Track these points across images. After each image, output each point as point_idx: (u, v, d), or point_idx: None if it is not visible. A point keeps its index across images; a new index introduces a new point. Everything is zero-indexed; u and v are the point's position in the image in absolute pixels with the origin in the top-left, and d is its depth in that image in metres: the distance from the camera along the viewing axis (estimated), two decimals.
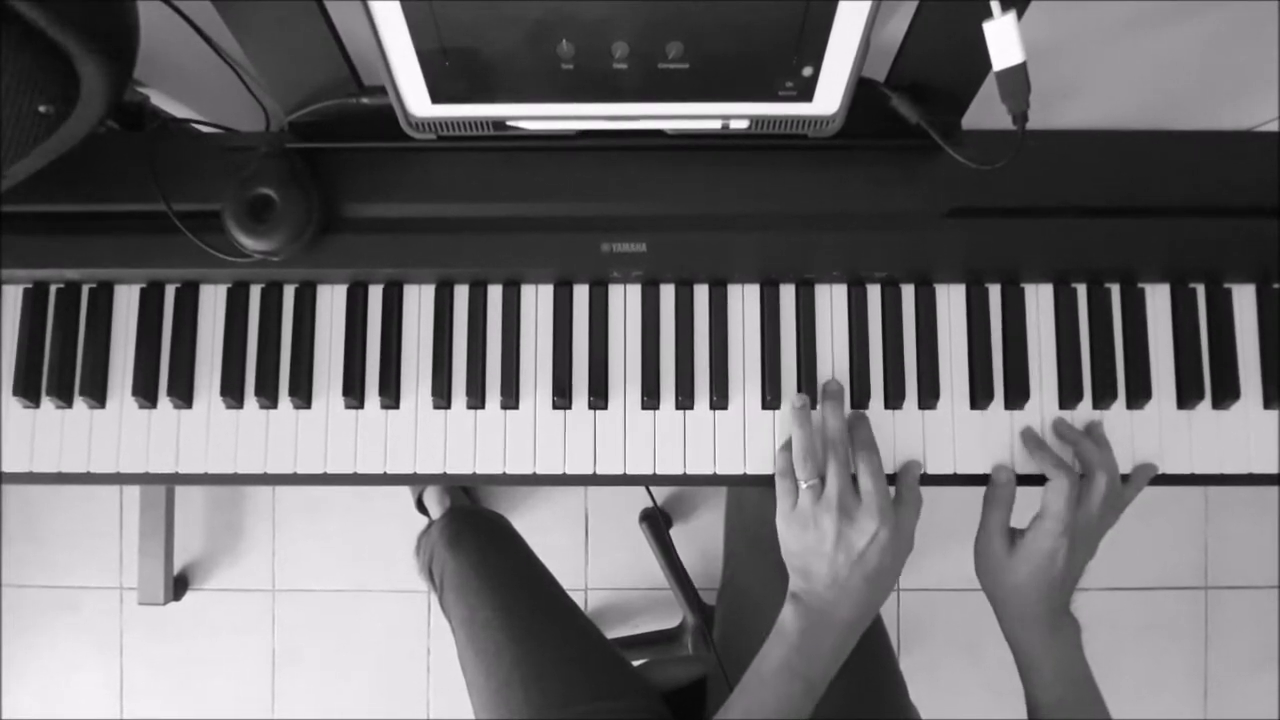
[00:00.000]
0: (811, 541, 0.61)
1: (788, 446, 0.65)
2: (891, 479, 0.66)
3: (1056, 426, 0.66)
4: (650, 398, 0.66)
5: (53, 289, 0.68)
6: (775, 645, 0.62)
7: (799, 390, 0.66)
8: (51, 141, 0.55)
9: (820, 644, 0.61)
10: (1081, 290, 0.68)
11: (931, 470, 0.66)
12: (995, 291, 0.67)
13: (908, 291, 0.67)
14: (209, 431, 0.66)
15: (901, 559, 0.63)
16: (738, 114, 0.57)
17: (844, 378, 0.67)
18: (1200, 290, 0.68)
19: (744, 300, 0.67)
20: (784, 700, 0.60)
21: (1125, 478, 0.65)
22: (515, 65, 0.52)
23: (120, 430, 0.67)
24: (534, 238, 0.64)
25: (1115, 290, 0.68)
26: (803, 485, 0.62)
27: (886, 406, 0.66)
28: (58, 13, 0.47)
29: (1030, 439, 0.65)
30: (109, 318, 0.68)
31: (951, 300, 0.67)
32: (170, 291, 0.68)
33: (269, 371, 0.66)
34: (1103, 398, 0.66)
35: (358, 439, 0.66)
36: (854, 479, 0.62)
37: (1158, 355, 0.67)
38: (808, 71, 0.53)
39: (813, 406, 0.66)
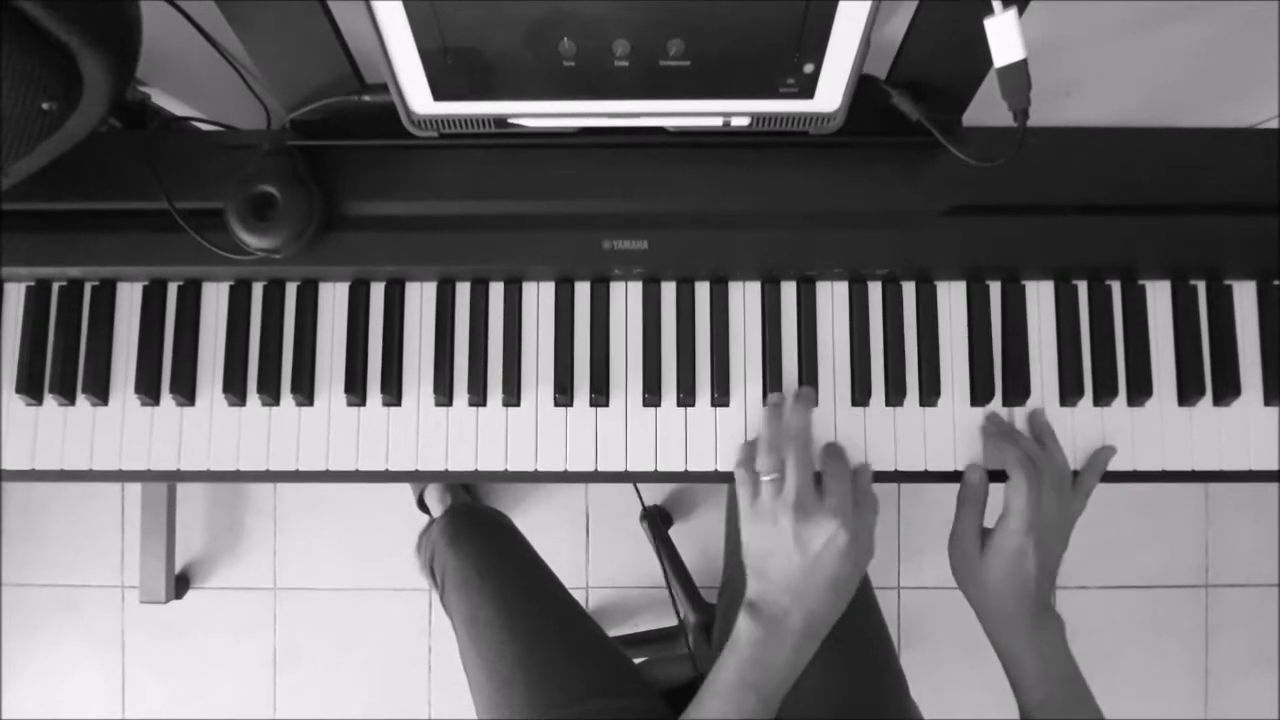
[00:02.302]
0: (770, 540, 0.61)
1: (750, 441, 0.65)
2: (884, 477, 0.66)
3: (988, 422, 0.66)
4: (652, 395, 0.66)
5: (55, 287, 0.68)
6: (729, 657, 0.61)
7: (799, 387, 0.66)
8: (54, 139, 0.55)
9: (774, 655, 0.60)
10: (1082, 287, 0.68)
11: (932, 467, 0.66)
12: (996, 289, 0.68)
13: (909, 289, 0.67)
14: (211, 429, 0.67)
15: (862, 565, 0.62)
16: (739, 111, 0.57)
17: (845, 375, 0.67)
18: (1201, 287, 0.68)
19: (745, 297, 0.67)
20: (737, 712, 0.59)
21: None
22: (517, 63, 0.52)
23: (122, 427, 0.67)
24: (535, 235, 0.64)
25: (1116, 287, 0.68)
26: (763, 479, 0.61)
27: (887, 404, 0.66)
28: (61, 10, 0.47)
29: (992, 432, 0.65)
30: (111, 315, 0.68)
31: (952, 297, 0.67)
32: (173, 289, 0.68)
33: (271, 369, 0.66)
34: (1103, 395, 0.66)
35: (359, 436, 0.66)
36: (818, 479, 0.62)
37: (1158, 352, 0.67)
38: (809, 69, 0.53)
39: (815, 404, 0.66)
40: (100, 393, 0.67)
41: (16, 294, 0.68)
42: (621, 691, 0.80)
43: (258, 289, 0.68)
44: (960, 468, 0.66)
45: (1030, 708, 0.63)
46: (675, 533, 1.45)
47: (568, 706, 0.78)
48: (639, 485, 1.14)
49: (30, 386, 0.66)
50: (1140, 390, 0.66)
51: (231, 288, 0.68)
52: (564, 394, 0.66)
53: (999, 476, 0.64)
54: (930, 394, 0.66)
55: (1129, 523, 1.49)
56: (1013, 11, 0.50)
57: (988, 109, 0.59)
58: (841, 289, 0.67)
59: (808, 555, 0.59)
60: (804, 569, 0.59)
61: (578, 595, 0.93)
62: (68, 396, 0.67)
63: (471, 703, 0.85)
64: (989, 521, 0.65)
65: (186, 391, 0.66)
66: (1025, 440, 0.64)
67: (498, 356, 0.67)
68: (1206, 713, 1.50)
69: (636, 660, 0.92)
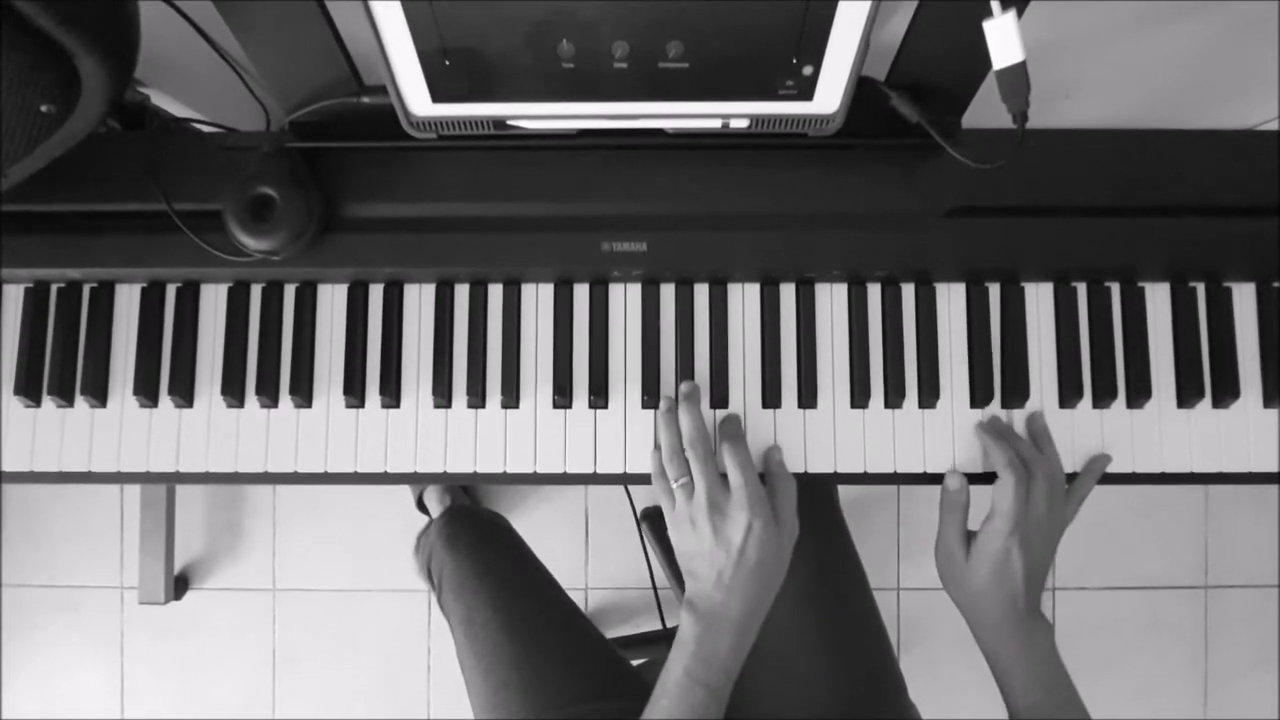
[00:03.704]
0: (693, 542, 0.62)
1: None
2: (884, 479, 0.66)
3: (993, 424, 0.66)
4: (650, 397, 0.66)
5: (54, 288, 0.68)
6: (675, 655, 0.62)
7: (799, 389, 0.66)
8: (53, 141, 0.55)
9: (716, 648, 0.61)
10: (1081, 289, 0.68)
11: (931, 469, 0.66)
12: (995, 290, 0.68)
13: (908, 291, 0.67)
14: (210, 430, 0.67)
15: (786, 545, 0.63)
16: (738, 113, 0.57)
17: (844, 377, 0.67)
18: (1200, 289, 0.68)
19: (744, 299, 0.67)
20: (688, 708, 0.60)
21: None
22: (516, 65, 0.52)
23: (121, 429, 0.67)
24: (534, 237, 0.64)
25: (1115, 289, 0.68)
26: (673, 485, 0.62)
27: (886, 405, 0.66)
28: (59, 12, 0.47)
29: (987, 432, 0.65)
30: (110, 317, 0.68)
31: (952, 299, 0.67)
32: (171, 291, 0.68)
33: (270, 371, 0.66)
34: (1102, 397, 0.66)
35: (358, 438, 0.66)
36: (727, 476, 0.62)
37: (1158, 354, 0.67)
38: (808, 71, 0.53)
39: (813, 406, 0.66)
40: (99, 394, 0.67)
41: (15, 295, 0.68)
42: (619, 693, 0.80)
43: (256, 291, 0.68)
44: (960, 469, 0.66)
45: (1019, 712, 0.62)
46: None
47: (564, 708, 0.78)
48: (629, 490, 1.14)
49: (29, 388, 0.66)
50: (1139, 392, 0.66)
51: (230, 289, 0.68)
52: (563, 396, 0.66)
53: (990, 479, 0.64)
54: (929, 396, 0.66)
55: (1129, 524, 1.49)
56: (1012, 13, 0.50)
57: (987, 110, 0.59)
58: (841, 291, 0.67)
59: (731, 550, 0.60)
60: (730, 563, 0.60)
61: (577, 596, 0.93)
62: (66, 398, 0.67)
63: (469, 704, 0.85)
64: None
65: (185, 393, 0.66)
66: (1021, 442, 0.64)
67: (496, 358, 0.67)
68: (1206, 713, 1.50)
69: (635, 662, 0.92)
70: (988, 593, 0.62)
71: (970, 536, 0.65)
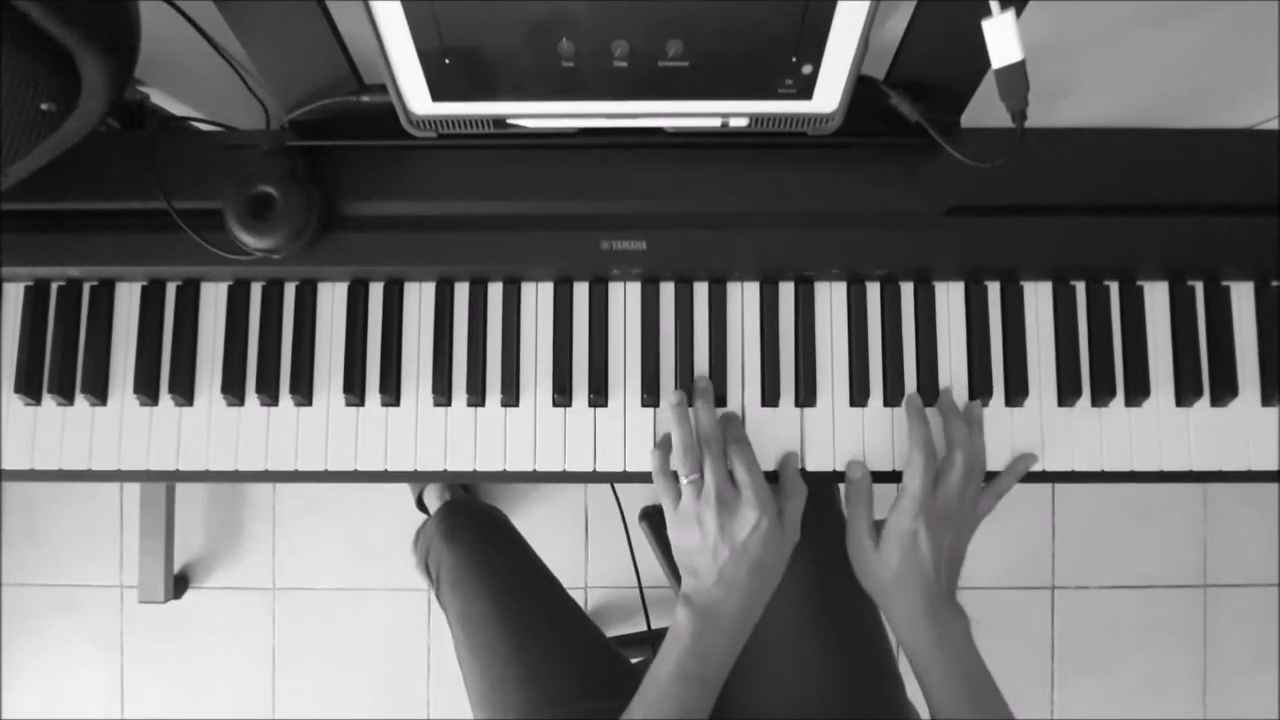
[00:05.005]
0: (696, 538, 0.62)
1: (663, 444, 0.65)
2: (885, 477, 0.66)
3: (939, 402, 0.66)
4: (650, 395, 0.66)
5: (54, 287, 0.68)
6: (670, 648, 0.62)
7: (797, 387, 0.66)
8: (53, 139, 0.55)
9: (712, 643, 0.61)
10: (1080, 288, 0.68)
11: None
12: (994, 289, 0.68)
13: (907, 289, 0.67)
14: (210, 429, 0.67)
15: (787, 548, 0.63)
16: (737, 112, 0.57)
17: (843, 375, 0.67)
18: (1199, 288, 0.68)
19: (744, 298, 0.67)
20: (680, 702, 0.60)
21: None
22: (516, 63, 0.52)
23: (121, 428, 0.67)
24: (534, 235, 0.64)
25: (1114, 288, 0.68)
26: (683, 481, 0.62)
27: (885, 404, 0.67)
28: (59, 10, 0.47)
29: (910, 410, 0.65)
30: (110, 315, 0.68)
31: (951, 298, 0.68)
32: (171, 289, 0.68)
33: (270, 369, 0.67)
34: (1101, 395, 0.66)
35: (358, 436, 0.66)
36: (732, 476, 0.62)
37: (1156, 353, 0.67)
38: (807, 69, 0.53)
39: (812, 404, 0.66)
40: (99, 392, 0.67)
41: (15, 294, 0.68)
42: (616, 692, 0.80)
43: (256, 289, 0.68)
44: None
45: (939, 708, 0.62)
46: None
47: (560, 706, 0.78)
48: (616, 490, 1.14)
49: (29, 386, 0.66)
50: (1138, 391, 0.66)
51: (230, 288, 0.68)
52: (562, 394, 0.66)
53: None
54: (928, 394, 0.66)
55: (1128, 523, 1.49)
56: (1010, 13, 0.50)
57: (986, 109, 0.59)
58: (840, 289, 0.67)
59: (734, 546, 0.61)
60: (731, 560, 0.61)
61: (576, 595, 0.93)
62: (66, 396, 0.67)
63: (467, 699, 0.85)
64: None
65: (185, 391, 0.66)
66: (954, 423, 0.64)
67: (496, 357, 0.67)
68: (1205, 713, 1.50)
69: (635, 660, 0.92)
70: (899, 579, 0.62)
71: (878, 525, 0.65)
